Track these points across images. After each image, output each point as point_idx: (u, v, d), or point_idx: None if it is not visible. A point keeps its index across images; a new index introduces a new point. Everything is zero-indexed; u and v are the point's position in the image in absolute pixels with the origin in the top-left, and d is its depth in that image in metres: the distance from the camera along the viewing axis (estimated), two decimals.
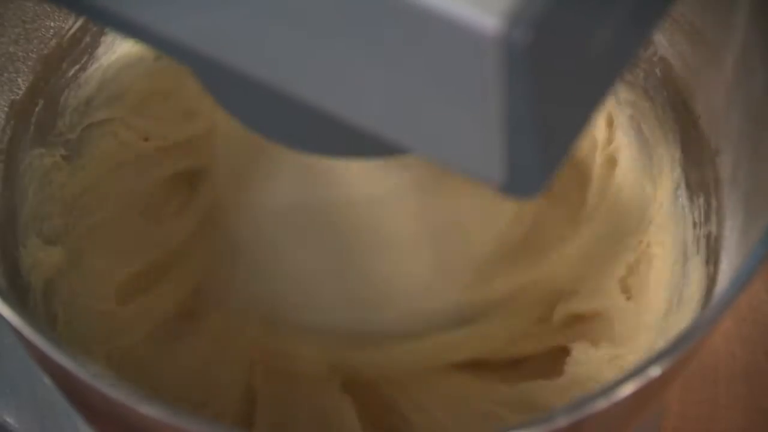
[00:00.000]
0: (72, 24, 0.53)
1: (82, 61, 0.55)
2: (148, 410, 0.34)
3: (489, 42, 0.24)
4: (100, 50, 0.55)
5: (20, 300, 0.48)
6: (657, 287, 0.52)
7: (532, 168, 0.27)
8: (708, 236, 0.50)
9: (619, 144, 0.57)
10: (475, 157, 0.27)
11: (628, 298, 0.54)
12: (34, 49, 0.52)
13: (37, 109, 0.52)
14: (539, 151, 0.26)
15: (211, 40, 0.29)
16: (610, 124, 0.57)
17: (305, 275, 0.52)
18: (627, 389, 0.35)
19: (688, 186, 0.53)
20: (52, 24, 0.52)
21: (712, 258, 0.49)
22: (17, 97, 0.51)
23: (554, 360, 0.52)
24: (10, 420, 0.54)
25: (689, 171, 0.52)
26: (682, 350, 0.36)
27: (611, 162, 0.57)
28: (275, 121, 0.34)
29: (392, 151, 0.31)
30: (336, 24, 0.26)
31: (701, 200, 0.51)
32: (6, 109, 0.50)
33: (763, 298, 0.59)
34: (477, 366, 0.52)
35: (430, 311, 0.52)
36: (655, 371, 0.36)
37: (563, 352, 0.52)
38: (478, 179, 0.28)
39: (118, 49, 0.56)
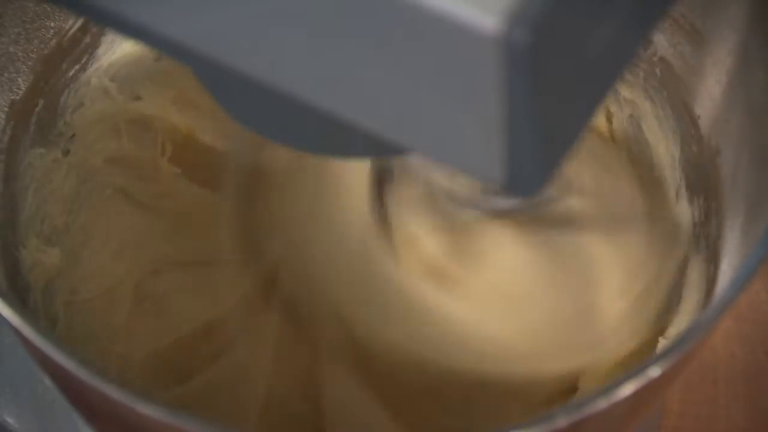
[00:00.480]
0: (72, 24, 0.53)
1: (82, 61, 0.55)
2: (148, 410, 0.34)
3: (489, 42, 0.24)
4: (100, 50, 0.55)
5: (20, 300, 0.48)
6: (656, 287, 0.52)
7: (532, 167, 0.27)
8: (708, 236, 0.50)
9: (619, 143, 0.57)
10: (475, 156, 0.27)
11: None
12: (35, 49, 0.52)
13: (37, 109, 0.52)
14: (539, 151, 0.26)
15: (212, 41, 0.29)
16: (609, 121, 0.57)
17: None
18: (627, 389, 0.35)
19: (688, 186, 0.53)
20: (52, 24, 0.52)
21: (712, 258, 0.49)
22: (17, 97, 0.51)
23: None
24: (10, 420, 0.54)
25: (689, 171, 0.52)
26: (682, 350, 0.36)
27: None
28: (275, 121, 0.34)
29: (393, 151, 0.31)
30: (336, 24, 0.26)
31: (701, 200, 0.51)
32: (6, 109, 0.50)
33: (763, 298, 0.59)
34: None
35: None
36: (655, 371, 0.35)
37: None
38: (478, 179, 0.28)
39: (118, 49, 0.56)
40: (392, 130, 0.28)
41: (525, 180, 0.27)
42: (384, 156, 0.33)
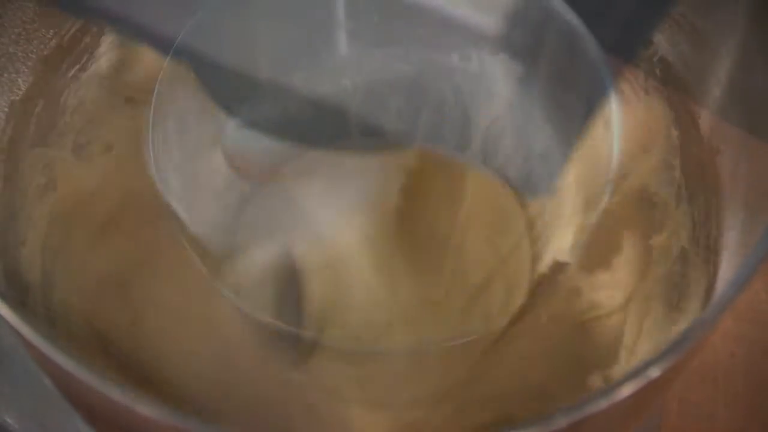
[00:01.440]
0: (72, 24, 0.53)
1: (82, 61, 0.55)
2: (148, 410, 0.34)
3: (489, 42, 0.24)
4: (100, 50, 0.55)
5: (20, 300, 0.48)
6: (657, 287, 0.52)
7: (539, 167, 0.27)
8: (708, 236, 0.50)
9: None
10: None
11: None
12: (35, 50, 0.52)
13: (37, 109, 0.52)
14: (542, 152, 0.26)
15: (211, 40, 0.29)
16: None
17: None
18: (627, 389, 0.35)
19: (688, 186, 0.53)
20: (52, 24, 0.52)
21: (712, 258, 0.49)
22: (17, 97, 0.51)
23: None
24: (10, 420, 0.54)
25: (689, 171, 0.53)
26: (682, 350, 0.36)
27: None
28: (274, 118, 0.34)
29: (392, 148, 0.31)
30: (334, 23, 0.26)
31: (701, 200, 0.51)
32: (6, 109, 0.50)
33: (763, 298, 0.59)
34: None
35: None
36: (654, 371, 0.35)
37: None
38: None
39: (118, 50, 0.56)
40: (396, 134, 0.28)
41: (534, 180, 0.27)
42: (381, 151, 0.33)
